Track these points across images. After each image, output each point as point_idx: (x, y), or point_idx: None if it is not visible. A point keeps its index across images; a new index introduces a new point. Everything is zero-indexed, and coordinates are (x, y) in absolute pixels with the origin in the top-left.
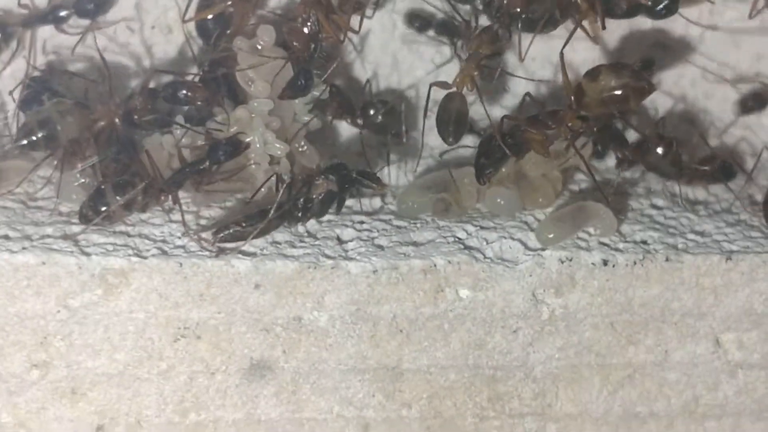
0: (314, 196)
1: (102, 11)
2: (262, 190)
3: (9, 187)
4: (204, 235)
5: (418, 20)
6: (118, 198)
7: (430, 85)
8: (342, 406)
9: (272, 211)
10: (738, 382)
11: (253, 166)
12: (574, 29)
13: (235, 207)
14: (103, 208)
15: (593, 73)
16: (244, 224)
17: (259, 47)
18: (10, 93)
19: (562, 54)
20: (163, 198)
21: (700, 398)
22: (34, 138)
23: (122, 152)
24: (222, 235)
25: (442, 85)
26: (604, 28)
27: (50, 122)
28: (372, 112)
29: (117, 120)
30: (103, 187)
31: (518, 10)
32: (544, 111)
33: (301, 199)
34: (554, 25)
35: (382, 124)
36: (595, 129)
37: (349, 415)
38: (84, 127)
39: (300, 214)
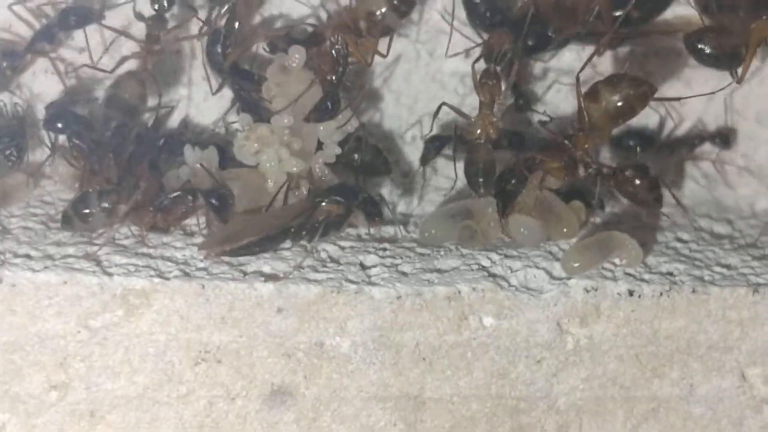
0: (320, 218)
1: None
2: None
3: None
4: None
5: None
6: (104, 205)
7: (455, 127)
8: None
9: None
10: (763, 417)
11: (271, 183)
12: (594, 53)
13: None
14: (86, 211)
15: (592, 93)
16: (257, 247)
17: (287, 66)
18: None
19: (578, 78)
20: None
21: None
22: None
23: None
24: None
25: (467, 132)
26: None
27: (113, 94)
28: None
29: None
30: (88, 191)
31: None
32: (559, 138)
33: (308, 221)
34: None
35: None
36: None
37: None
38: (141, 83)
39: (306, 235)
